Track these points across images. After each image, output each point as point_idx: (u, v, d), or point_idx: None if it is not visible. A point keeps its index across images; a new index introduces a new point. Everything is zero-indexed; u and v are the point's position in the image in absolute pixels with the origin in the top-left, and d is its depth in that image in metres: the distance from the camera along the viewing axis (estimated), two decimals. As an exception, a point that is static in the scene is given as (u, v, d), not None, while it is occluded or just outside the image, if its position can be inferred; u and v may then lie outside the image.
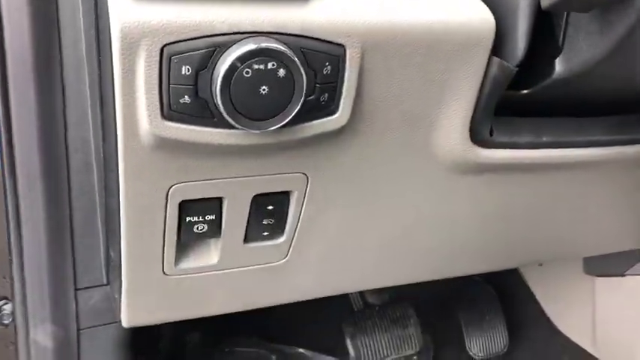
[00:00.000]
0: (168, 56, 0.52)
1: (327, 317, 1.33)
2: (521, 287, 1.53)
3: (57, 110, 0.69)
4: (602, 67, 0.66)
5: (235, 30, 0.54)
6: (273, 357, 1.34)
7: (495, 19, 0.64)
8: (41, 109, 0.68)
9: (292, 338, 1.38)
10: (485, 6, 0.64)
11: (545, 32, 0.67)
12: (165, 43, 0.52)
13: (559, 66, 0.67)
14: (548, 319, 1.49)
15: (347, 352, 1.32)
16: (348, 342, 1.31)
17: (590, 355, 1.39)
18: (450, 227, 0.84)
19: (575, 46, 0.66)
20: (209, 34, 0.53)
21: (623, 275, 1.27)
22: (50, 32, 0.66)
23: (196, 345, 1.30)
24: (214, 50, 0.53)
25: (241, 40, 0.54)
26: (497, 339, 1.44)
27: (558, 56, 0.67)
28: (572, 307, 1.43)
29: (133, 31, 0.51)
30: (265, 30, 0.54)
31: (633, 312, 1.28)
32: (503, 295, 1.50)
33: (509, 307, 1.49)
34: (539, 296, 1.52)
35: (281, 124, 0.57)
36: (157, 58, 0.52)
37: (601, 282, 1.33)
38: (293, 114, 0.57)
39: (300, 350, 1.37)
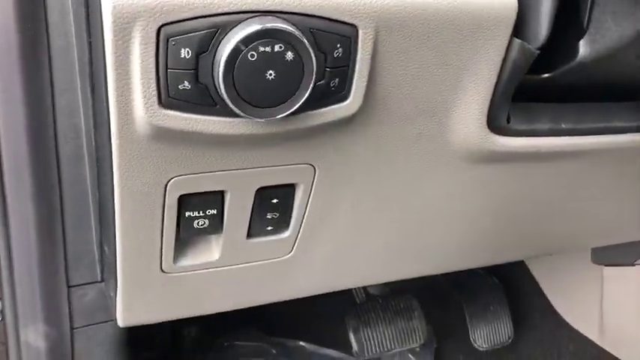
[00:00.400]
0: (165, 38, 0.48)
1: (329, 310, 1.30)
2: (526, 278, 1.50)
3: (45, 96, 0.65)
4: (630, 49, 0.62)
5: (239, 9, 0.49)
6: (274, 351, 1.31)
7: None
8: (28, 95, 0.64)
9: (293, 331, 1.35)
10: None
11: (569, 12, 0.63)
12: (162, 23, 0.47)
13: (583, 48, 0.63)
14: (553, 310, 1.47)
15: (350, 346, 1.28)
16: (351, 335, 1.27)
17: (596, 346, 1.37)
18: (461, 219, 0.81)
19: (602, 27, 0.62)
20: (210, 13, 0.48)
21: (632, 265, 1.24)
22: (36, 13, 0.61)
23: (195, 339, 1.27)
24: (216, 31, 0.49)
25: (245, 19, 0.49)
26: (502, 330, 1.41)
27: (582, 38, 0.63)
28: (579, 297, 1.41)
29: (127, 11, 0.46)
30: (271, 9, 0.50)
31: (642, 302, 1.25)
32: (508, 285, 1.47)
33: (514, 298, 1.47)
34: (544, 287, 1.50)
35: (289, 112, 0.52)
36: (154, 41, 0.48)
37: (609, 272, 1.30)
38: (302, 101, 0.52)
39: (301, 343, 1.34)
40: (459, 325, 1.42)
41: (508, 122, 0.68)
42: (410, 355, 1.37)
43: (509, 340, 1.41)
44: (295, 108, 0.52)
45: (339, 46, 0.53)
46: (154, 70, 0.49)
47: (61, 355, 0.80)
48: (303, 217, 0.69)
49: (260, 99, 0.51)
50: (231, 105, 0.50)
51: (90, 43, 0.55)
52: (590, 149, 0.75)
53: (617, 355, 1.33)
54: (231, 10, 0.49)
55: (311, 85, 0.52)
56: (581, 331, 1.41)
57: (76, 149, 0.68)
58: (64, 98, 0.65)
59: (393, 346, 1.28)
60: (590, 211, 0.94)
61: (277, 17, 0.50)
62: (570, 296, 1.44)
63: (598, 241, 1.09)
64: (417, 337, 1.29)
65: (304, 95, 0.52)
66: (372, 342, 1.27)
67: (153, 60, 0.48)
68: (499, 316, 1.41)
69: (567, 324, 1.44)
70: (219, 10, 0.48)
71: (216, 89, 0.50)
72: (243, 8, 0.49)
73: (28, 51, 0.62)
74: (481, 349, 1.41)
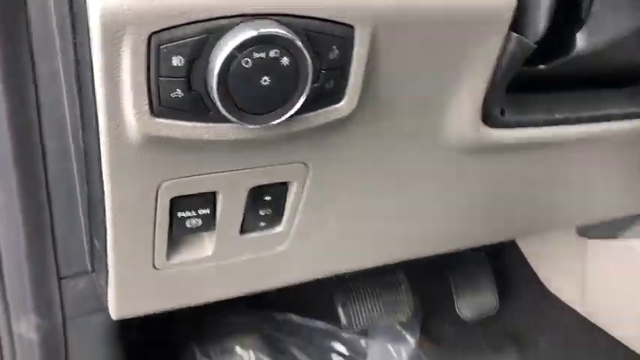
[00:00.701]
0: (156, 45, 0.46)
1: (318, 285, 1.31)
2: (511, 249, 1.52)
3: (28, 90, 0.62)
4: (628, 42, 0.61)
5: (231, 13, 0.47)
6: (265, 325, 1.32)
7: None
8: (9, 88, 0.61)
9: (282, 307, 1.35)
10: None
11: (566, 3, 0.62)
12: (152, 30, 0.45)
13: (580, 41, 0.62)
14: (537, 280, 1.49)
15: (338, 320, 1.30)
16: (340, 310, 1.28)
17: (580, 316, 1.40)
18: (455, 206, 0.81)
19: (601, 20, 0.61)
20: (202, 18, 0.46)
21: (615, 237, 1.26)
22: (16, 6, 0.58)
23: (185, 316, 1.27)
24: (208, 37, 0.47)
25: (238, 24, 0.47)
26: (487, 300, 1.43)
27: (580, 30, 0.62)
28: (563, 268, 1.43)
29: (116, 19, 0.44)
30: (265, 11, 0.48)
31: (623, 274, 1.28)
32: (493, 256, 1.48)
33: (499, 269, 1.49)
34: (529, 258, 1.51)
35: (283, 118, 0.51)
36: (144, 49, 0.46)
37: (593, 244, 1.32)
38: (297, 106, 0.51)
39: (290, 316, 1.35)
40: (445, 296, 1.44)
41: (502, 115, 0.67)
42: (397, 326, 1.39)
43: (495, 310, 1.44)
44: (290, 113, 0.51)
45: (334, 47, 0.51)
46: (144, 79, 0.47)
47: (54, 345, 0.80)
48: (296, 213, 0.68)
49: (254, 106, 0.49)
50: (224, 113, 0.49)
51: (75, 45, 0.53)
52: (585, 137, 0.75)
53: (598, 324, 1.37)
54: (223, 15, 0.47)
55: (307, 90, 0.50)
56: (565, 300, 1.44)
57: (62, 143, 0.66)
58: (47, 92, 0.63)
59: (381, 320, 1.30)
60: (581, 192, 0.94)
61: (272, 20, 0.48)
62: (554, 267, 1.46)
63: (585, 219, 1.11)
64: (405, 311, 1.31)
65: (300, 100, 0.51)
66: (360, 316, 1.29)
67: (144, 69, 0.46)
68: (484, 286, 1.43)
69: (551, 294, 1.47)
70: (211, 15, 0.46)
71: (210, 97, 0.48)
72: (236, 12, 0.47)
73: (8, 46, 0.59)
74: (466, 318, 1.43)
